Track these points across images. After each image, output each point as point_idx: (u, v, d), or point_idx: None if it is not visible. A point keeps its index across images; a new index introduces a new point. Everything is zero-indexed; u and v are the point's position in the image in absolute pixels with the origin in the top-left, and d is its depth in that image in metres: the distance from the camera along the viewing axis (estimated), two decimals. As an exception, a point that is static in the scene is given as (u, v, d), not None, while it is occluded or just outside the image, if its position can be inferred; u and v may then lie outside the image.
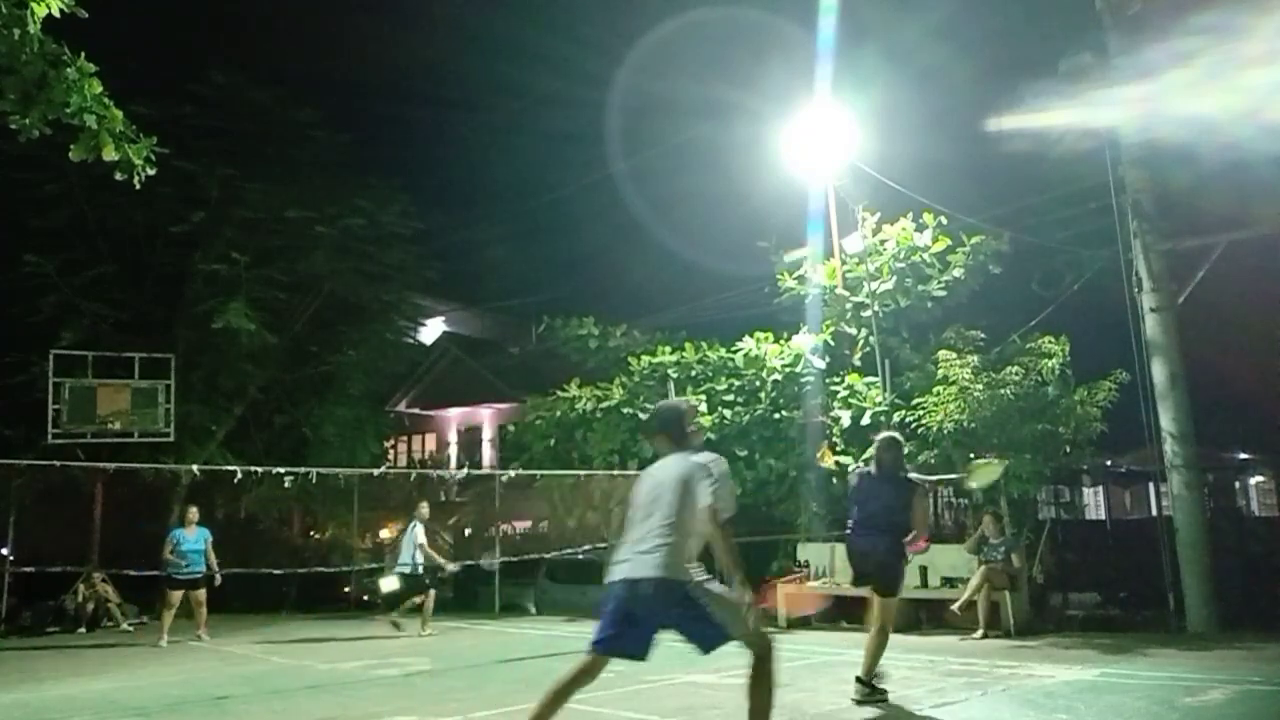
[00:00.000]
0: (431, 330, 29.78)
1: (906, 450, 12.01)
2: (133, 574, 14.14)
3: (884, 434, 7.07)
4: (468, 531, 23.24)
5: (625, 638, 4.36)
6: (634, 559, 4.42)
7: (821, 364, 13.71)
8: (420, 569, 12.79)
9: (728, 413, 13.77)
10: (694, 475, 4.50)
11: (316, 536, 22.78)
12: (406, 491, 20.70)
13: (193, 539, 12.42)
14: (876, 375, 13.02)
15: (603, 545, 15.84)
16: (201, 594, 12.44)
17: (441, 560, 13.43)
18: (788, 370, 13.82)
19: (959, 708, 6.07)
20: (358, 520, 20.15)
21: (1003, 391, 11.18)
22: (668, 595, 4.28)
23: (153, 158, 5.98)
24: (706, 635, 4.34)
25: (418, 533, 12.76)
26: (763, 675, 4.37)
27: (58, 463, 13.50)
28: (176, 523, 13.71)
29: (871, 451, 7.06)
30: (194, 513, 12.75)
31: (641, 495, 4.67)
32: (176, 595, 12.28)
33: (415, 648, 11.00)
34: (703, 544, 4.51)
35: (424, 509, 13.27)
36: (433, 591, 12.93)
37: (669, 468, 4.64)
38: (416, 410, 29.39)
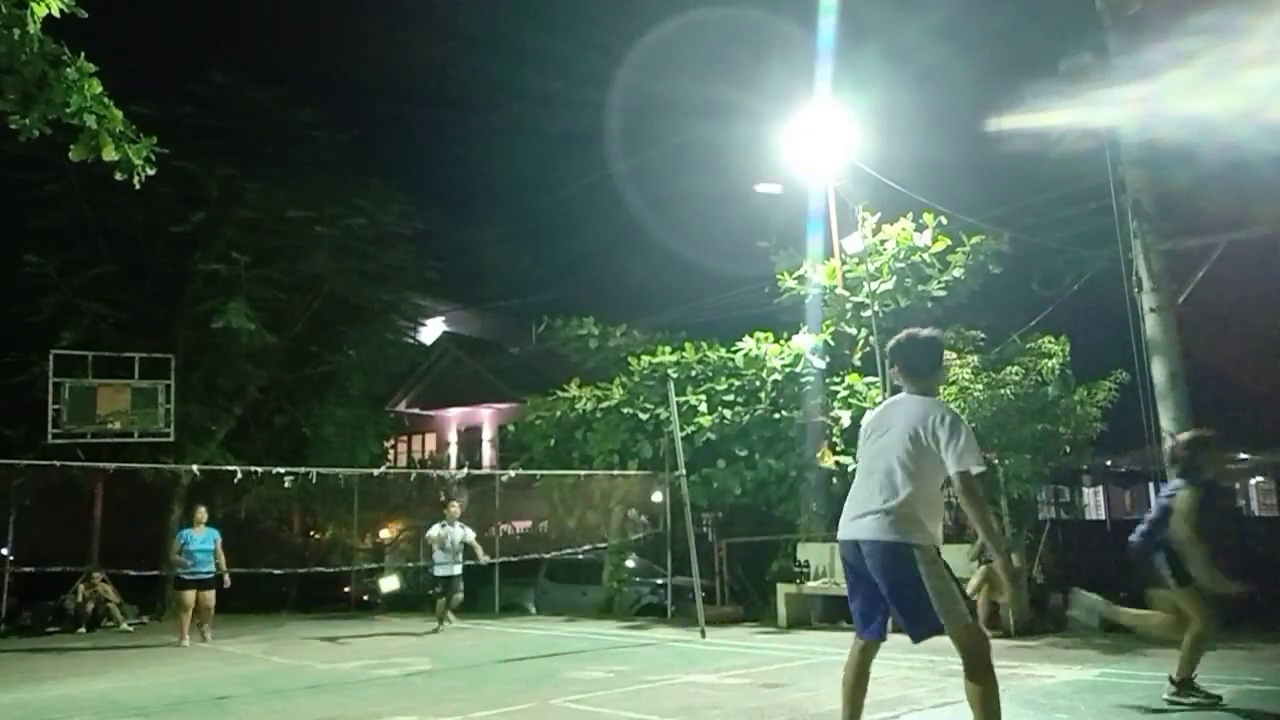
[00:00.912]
0: (431, 330, 29.78)
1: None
2: (132, 574, 14.16)
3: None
4: (468, 531, 23.25)
5: (876, 609, 3.99)
6: (856, 521, 4.01)
7: (821, 364, 13.72)
8: (433, 569, 12.98)
9: (728, 413, 13.76)
10: (926, 428, 3.90)
11: (316, 536, 22.78)
12: (406, 492, 20.72)
13: (201, 539, 12.36)
14: (876, 375, 13.00)
15: (603, 545, 15.86)
16: (209, 595, 12.39)
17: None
18: (788, 370, 13.82)
19: (959, 708, 6.04)
20: (358, 520, 20.19)
21: (1003, 391, 11.17)
22: (893, 560, 3.84)
23: (153, 158, 5.98)
24: (915, 620, 3.85)
25: (443, 532, 13.03)
26: (984, 682, 3.78)
27: (58, 463, 13.48)
28: (179, 523, 13.70)
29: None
30: (202, 513, 12.72)
31: (866, 445, 4.16)
32: (189, 595, 12.17)
33: (415, 648, 11.02)
34: (940, 506, 3.99)
35: (454, 508, 13.43)
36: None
37: (898, 414, 4.06)
38: (416, 410, 29.40)
